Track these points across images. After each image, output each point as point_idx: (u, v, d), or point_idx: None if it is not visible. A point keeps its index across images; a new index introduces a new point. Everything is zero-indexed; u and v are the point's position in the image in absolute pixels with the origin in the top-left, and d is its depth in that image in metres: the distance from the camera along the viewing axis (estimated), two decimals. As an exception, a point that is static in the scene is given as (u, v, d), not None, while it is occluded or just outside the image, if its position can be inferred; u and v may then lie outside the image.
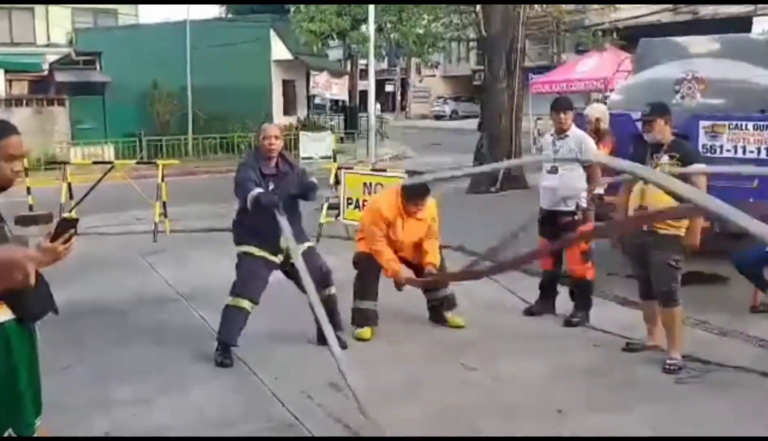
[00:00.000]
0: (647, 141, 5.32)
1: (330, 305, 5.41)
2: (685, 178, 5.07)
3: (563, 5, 23.01)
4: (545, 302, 6.33)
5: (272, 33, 25.55)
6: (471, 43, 39.40)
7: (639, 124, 7.45)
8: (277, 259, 5.29)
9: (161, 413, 4.40)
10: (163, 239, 9.79)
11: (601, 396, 4.58)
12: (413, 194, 5.66)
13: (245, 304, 5.18)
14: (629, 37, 22.04)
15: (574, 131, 6.09)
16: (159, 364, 5.17)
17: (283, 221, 5.03)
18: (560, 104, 6.19)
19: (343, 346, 5.37)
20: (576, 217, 5.97)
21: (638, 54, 8.62)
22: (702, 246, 5.18)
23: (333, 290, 5.46)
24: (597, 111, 7.36)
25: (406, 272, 5.78)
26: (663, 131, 5.22)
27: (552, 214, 6.05)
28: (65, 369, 5.03)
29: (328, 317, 5.41)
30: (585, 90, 24.04)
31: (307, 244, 5.42)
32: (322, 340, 5.41)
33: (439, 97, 48.34)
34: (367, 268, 5.75)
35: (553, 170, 6.05)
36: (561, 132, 6.08)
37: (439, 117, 45.54)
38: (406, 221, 5.75)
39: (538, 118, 24.50)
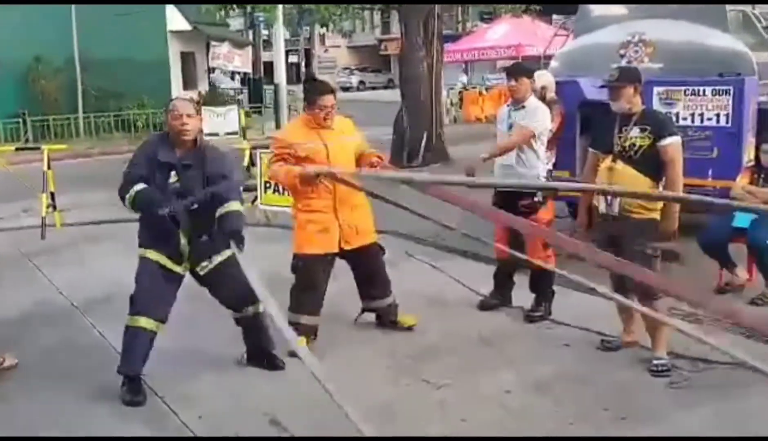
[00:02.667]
0: (614, 111, 4.67)
1: (258, 324, 4.50)
2: (658, 153, 4.53)
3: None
4: (501, 294, 5.66)
5: (168, 1, 23.82)
6: (376, 13, 38.58)
7: (599, 91, 6.91)
8: (182, 268, 4.29)
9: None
10: (53, 235, 8.51)
11: (590, 411, 3.93)
12: (314, 90, 4.77)
13: (143, 323, 4.16)
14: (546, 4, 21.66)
15: (532, 102, 5.39)
16: (49, 406, 4.14)
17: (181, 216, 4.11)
18: (513, 70, 5.49)
19: (280, 366, 4.54)
20: (536, 199, 5.31)
21: (579, 16, 8.03)
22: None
23: (261, 307, 4.45)
24: (542, 79, 6.70)
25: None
26: (632, 100, 4.58)
27: (509, 196, 5.36)
28: None
29: (257, 338, 4.56)
30: (496, 58, 23.76)
31: (228, 252, 4.36)
32: (253, 359, 4.56)
33: (345, 68, 47.37)
34: (310, 278, 4.81)
35: (509, 146, 5.35)
36: (517, 102, 5.38)
37: (345, 88, 44.56)
38: (324, 132, 4.79)
39: (450, 88, 24.06)
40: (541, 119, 5.38)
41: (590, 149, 4.90)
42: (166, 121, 4.27)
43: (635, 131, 4.53)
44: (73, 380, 4.44)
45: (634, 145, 4.51)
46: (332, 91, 4.84)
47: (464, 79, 26.58)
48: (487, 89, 24.42)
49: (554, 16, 33.95)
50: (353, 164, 4.90)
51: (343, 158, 4.82)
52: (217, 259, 4.32)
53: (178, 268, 4.27)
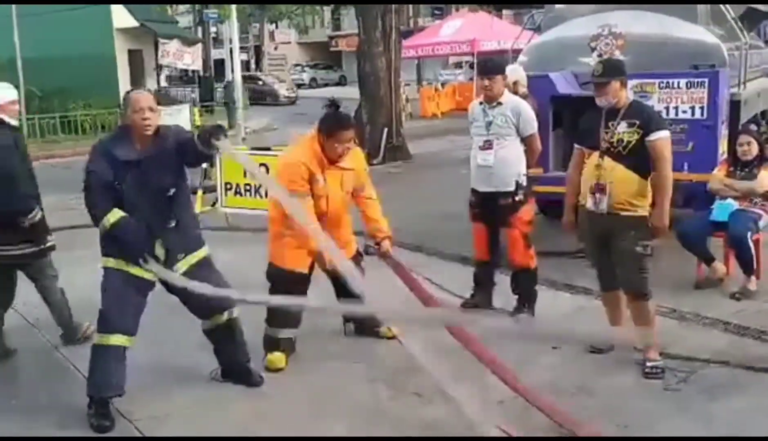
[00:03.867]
0: (599, 106, 4.52)
1: (232, 333, 4.24)
2: (644, 147, 4.39)
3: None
4: (482, 296, 5.49)
5: (113, -3, 23.07)
6: (327, 10, 38.17)
7: (571, 85, 6.79)
8: (153, 274, 3.95)
9: None
10: None
11: (589, 421, 3.76)
12: (336, 123, 4.34)
13: (115, 340, 3.85)
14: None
15: (509, 98, 5.22)
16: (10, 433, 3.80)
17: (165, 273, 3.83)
18: (486, 68, 5.30)
19: (258, 382, 4.27)
20: (517, 198, 5.15)
21: (547, 9, 7.91)
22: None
23: (235, 312, 4.23)
24: (515, 74, 6.55)
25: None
26: (618, 94, 4.42)
27: (489, 197, 5.18)
28: None
29: (231, 350, 4.28)
30: (451, 53, 23.68)
31: (200, 254, 4.13)
32: (229, 376, 4.28)
33: (296, 65, 46.75)
34: (285, 290, 4.42)
35: (487, 145, 5.17)
36: (491, 100, 5.19)
37: (297, 86, 43.97)
38: (328, 171, 4.41)
39: (406, 84, 23.91)
40: (533, 115, 5.26)
41: (575, 145, 4.75)
42: (125, 115, 3.91)
43: (623, 126, 4.38)
44: (36, 404, 4.12)
45: (621, 140, 4.36)
46: (354, 126, 4.53)
47: None
48: (442, 85, 24.37)
49: (504, 11, 34.15)
50: (347, 204, 4.65)
51: (339, 202, 4.54)
52: (190, 259, 4.03)
53: (148, 275, 3.93)
